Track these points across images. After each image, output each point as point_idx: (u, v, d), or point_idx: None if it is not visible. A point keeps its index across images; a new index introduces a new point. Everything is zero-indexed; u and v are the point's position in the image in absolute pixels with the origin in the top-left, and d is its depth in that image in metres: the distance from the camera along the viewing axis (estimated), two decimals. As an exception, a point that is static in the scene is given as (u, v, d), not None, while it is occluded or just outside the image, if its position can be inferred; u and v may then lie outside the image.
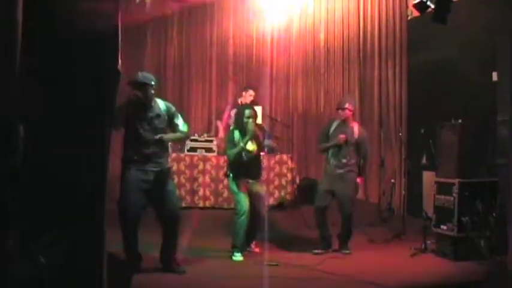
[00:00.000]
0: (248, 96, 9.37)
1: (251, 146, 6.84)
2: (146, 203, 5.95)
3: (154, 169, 5.84)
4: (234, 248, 6.70)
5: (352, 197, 7.06)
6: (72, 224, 3.36)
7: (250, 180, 6.89)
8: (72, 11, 3.40)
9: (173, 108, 6.09)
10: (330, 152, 7.06)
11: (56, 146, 3.38)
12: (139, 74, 5.94)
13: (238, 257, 6.66)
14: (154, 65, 10.44)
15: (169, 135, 6.02)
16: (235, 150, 6.76)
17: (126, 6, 9.08)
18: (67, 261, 3.31)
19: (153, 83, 5.88)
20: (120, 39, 3.66)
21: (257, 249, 7.09)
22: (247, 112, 6.86)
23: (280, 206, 8.75)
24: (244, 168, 6.85)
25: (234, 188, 6.85)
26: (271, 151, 9.07)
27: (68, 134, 3.40)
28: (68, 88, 3.41)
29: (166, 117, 5.95)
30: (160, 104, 5.98)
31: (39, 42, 3.31)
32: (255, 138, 6.88)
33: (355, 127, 7.11)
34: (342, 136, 6.96)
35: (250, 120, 6.79)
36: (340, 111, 7.13)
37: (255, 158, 6.97)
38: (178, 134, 6.12)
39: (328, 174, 7.07)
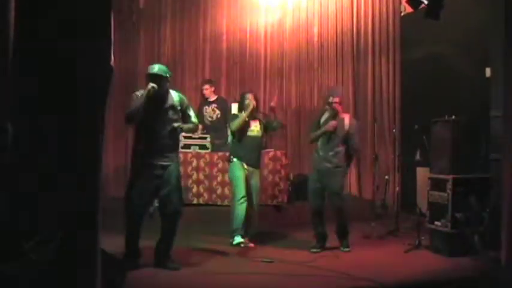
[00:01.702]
0: (204, 90, 9.46)
1: (256, 128, 7.18)
2: (154, 198, 5.99)
3: (165, 163, 5.85)
4: (234, 232, 6.86)
5: (340, 191, 6.95)
6: (65, 222, 3.35)
7: (251, 168, 7.10)
8: (65, 8, 3.38)
9: (186, 100, 6.16)
10: (319, 142, 6.96)
11: (49, 143, 3.36)
12: (155, 65, 5.98)
13: (238, 239, 6.82)
14: (148, 61, 10.36)
15: (186, 125, 6.07)
16: (239, 119, 7.04)
17: (119, 2, 9.06)
18: (59, 259, 3.30)
19: (168, 75, 5.93)
20: (113, 35, 3.64)
21: (252, 245, 7.11)
22: (247, 95, 7.24)
23: (275, 207, 8.72)
24: (246, 152, 7.09)
25: (236, 172, 7.03)
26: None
27: (62, 131, 3.38)
28: (61, 85, 3.39)
29: (179, 108, 5.99)
30: (174, 95, 6.02)
31: (31, 40, 3.29)
32: (260, 123, 7.26)
33: (346, 119, 6.98)
34: (332, 123, 6.86)
35: (250, 103, 7.13)
36: (327, 106, 7.06)
37: (258, 144, 7.25)
38: (191, 125, 6.17)
39: (316, 169, 6.98)
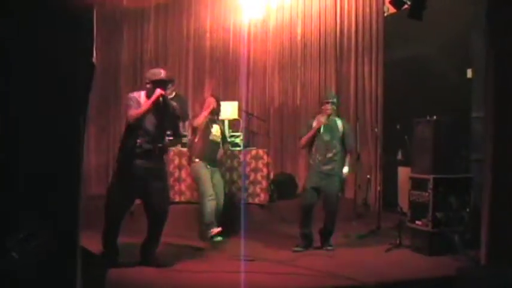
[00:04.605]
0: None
1: (217, 133, 7.46)
2: (136, 198, 6.00)
3: (153, 166, 5.86)
4: (208, 226, 7.07)
5: (337, 193, 7.00)
6: (45, 218, 3.32)
7: (212, 168, 7.34)
8: (47, 4, 3.36)
9: (178, 109, 6.16)
10: (314, 147, 6.96)
11: (30, 140, 3.34)
12: (161, 71, 6.02)
13: (215, 230, 7.05)
14: (131, 58, 10.34)
15: (172, 142, 6.14)
16: (200, 116, 7.29)
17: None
18: (40, 256, 3.27)
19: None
20: (95, 32, 3.62)
21: (218, 230, 7.26)
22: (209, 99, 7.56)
23: (257, 206, 8.72)
24: (207, 155, 7.29)
25: (201, 171, 7.22)
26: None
27: (42, 127, 3.36)
28: (43, 81, 3.37)
29: (173, 116, 6.02)
30: (172, 101, 6.13)
31: (13, 36, 3.27)
32: (219, 129, 7.59)
33: (339, 121, 7.06)
34: (319, 119, 6.93)
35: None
36: (326, 104, 7.03)
37: (217, 149, 7.50)
38: (177, 139, 6.24)
39: (314, 171, 6.95)
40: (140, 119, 5.78)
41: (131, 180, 5.76)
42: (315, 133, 6.93)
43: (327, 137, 6.91)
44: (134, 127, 5.82)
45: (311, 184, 6.91)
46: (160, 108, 5.84)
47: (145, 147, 5.79)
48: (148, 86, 5.89)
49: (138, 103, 5.81)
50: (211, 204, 7.07)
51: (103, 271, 4.91)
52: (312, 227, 6.95)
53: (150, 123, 5.83)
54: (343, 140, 6.99)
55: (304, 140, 7.03)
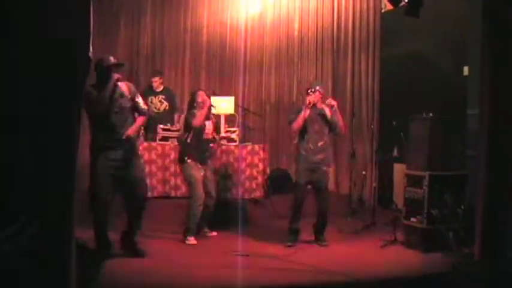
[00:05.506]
0: (154, 82, 9.42)
1: (210, 131, 7.27)
2: (116, 189, 6.03)
3: (124, 155, 5.88)
4: (188, 231, 6.91)
5: (328, 186, 7.05)
6: (39, 212, 3.32)
7: (204, 165, 7.15)
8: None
9: (133, 87, 6.16)
10: (306, 135, 6.97)
11: (26, 133, 3.33)
12: (109, 56, 6.01)
13: (191, 240, 6.88)
14: (127, 52, 10.31)
15: (134, 127, 6.04)
16: (198, 115, 7.00)
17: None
18: (34, 250, 3.27)
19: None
20: (92, 25, 3.61)
21: (213, 233, 7.35)
22: (199, 93, 7.27)
23: (252, 201, 8.73)
24: (200, 153, 7.11)
25: (193, 172, 7.03)
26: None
27: (38, 121, 3.35)
28: (39, 75, 3.36)
29: (129, 97, 6.00)
30: (121, 84, 6.01)
31: (8, 28, 3.26)
32: (213, 124, 7.39)
33: (326, 109, 7.04)
34: (309, 99, 6.91)
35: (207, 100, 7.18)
36: (311, 93, 7.06)
37: (208, 142, 7.30)
38: (141, 119, 6.13)
39: (305, 163, 6.93)
40: (108, 109, 5.78)
41: (105, 173, 5.82)
42: (303, 121, 6.92)
43: (317, 126, 6.94)
44: (98, 120, 5.83)
45: (303, 179, 6.91)
46: (116, 95, 5.86)
47: (112, 137, 5.82)
48: (99, 74, 5.87)
49: (96, 96, 5.78)
50: (199, 210, 6.95)
51: (97, 264, 4.92)
52: (301, 222, 6.98)
53: (112, 113, 5.83)
54: (332, 126, 7.01)
55: (295, 125, 7.00)
